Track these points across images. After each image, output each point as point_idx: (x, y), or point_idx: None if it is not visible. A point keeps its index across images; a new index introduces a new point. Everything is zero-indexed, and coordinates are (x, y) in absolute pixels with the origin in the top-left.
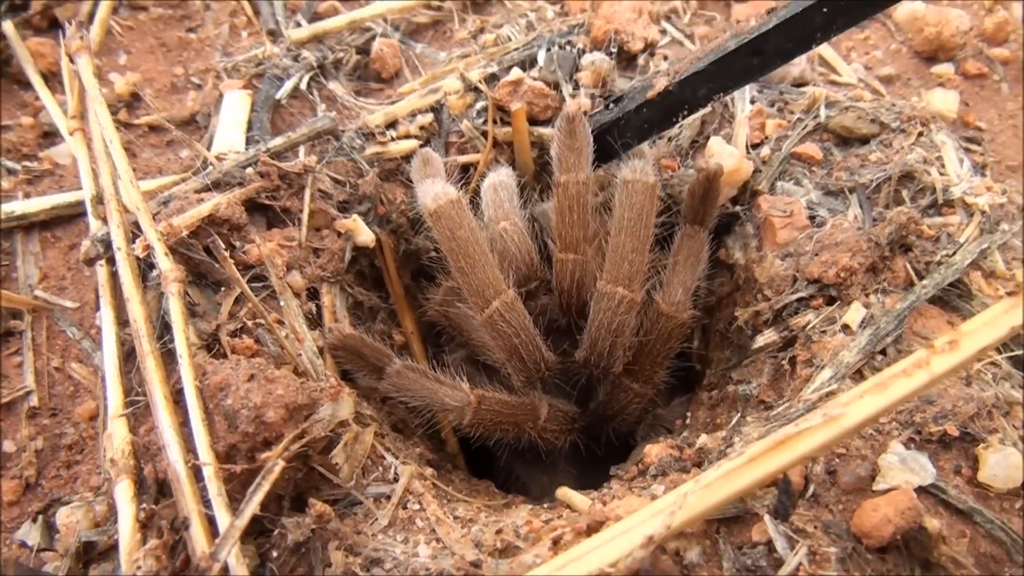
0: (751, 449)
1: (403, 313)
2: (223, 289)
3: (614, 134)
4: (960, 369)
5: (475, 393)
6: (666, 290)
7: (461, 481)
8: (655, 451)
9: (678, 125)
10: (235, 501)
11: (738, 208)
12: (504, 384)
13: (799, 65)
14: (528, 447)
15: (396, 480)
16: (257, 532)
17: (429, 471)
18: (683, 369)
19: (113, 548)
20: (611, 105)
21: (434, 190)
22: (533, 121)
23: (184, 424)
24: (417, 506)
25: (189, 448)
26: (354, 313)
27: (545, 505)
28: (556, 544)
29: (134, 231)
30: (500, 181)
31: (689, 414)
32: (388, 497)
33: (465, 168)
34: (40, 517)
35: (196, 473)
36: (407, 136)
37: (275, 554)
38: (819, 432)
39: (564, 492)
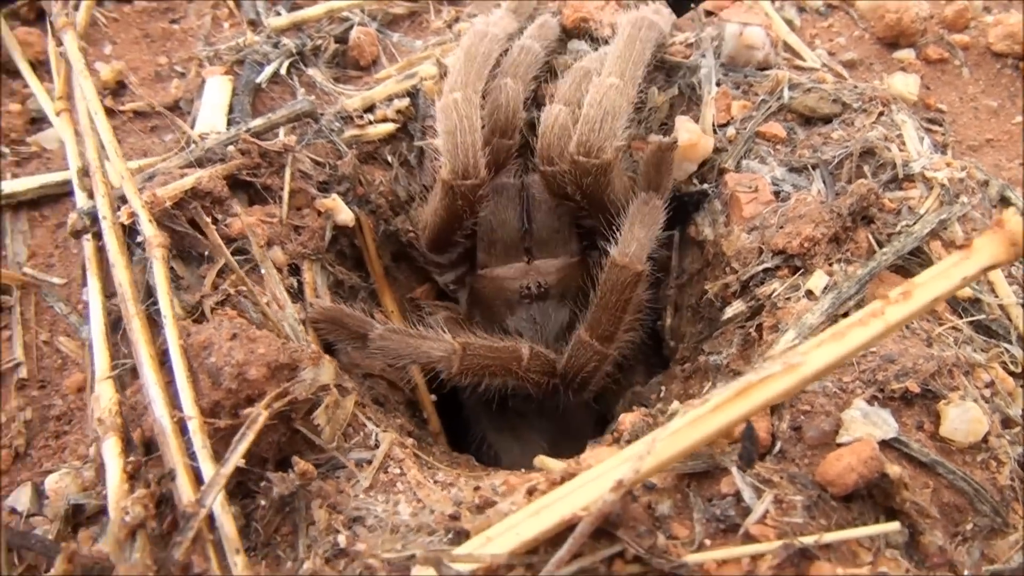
0: (715, 397)
1: (383, 292)
2: (207, 263)
3: None
4: (914, 318)
5: (459, 341)
6: (621, 244)
7: (442, 454)
8: (629, 419)
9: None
10: (218, 456)
11: (706, 186)
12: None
13: (763, 50)
14: (502, 416)
15: (377, 446)
16: (242, 495)
17: (410, 441)
18: (658, 348)
19: (102, 511)
20: None
21: None
22: None
23: (170, 384)
24: (398, 471)
25: (174, 405)
26: (335, 291)
27: (523, 471)
28: (531, 494)
29: (119, 203)
30: (530, 47)
31: (663, 387)
32: (369, 462)
33: None
34: (30, 484)
35: (181, 428)
36: (384, 120)
37: (260, 513)
38: (779, 380)
39: (541, 459)
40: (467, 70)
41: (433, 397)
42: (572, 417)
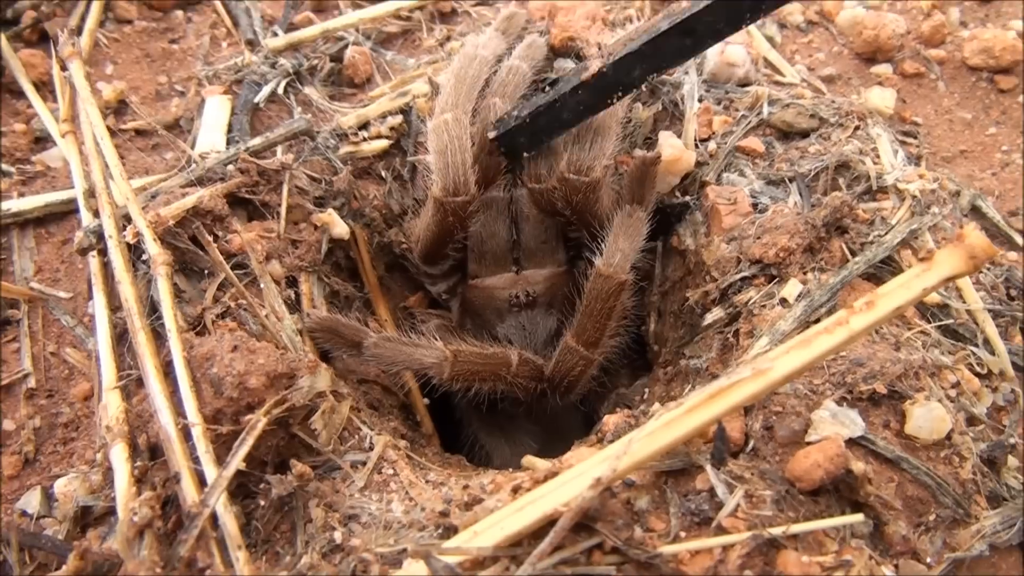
0: (688, 401)
1: (377, 301)
2: (208, 277)
3: (551, 115)
4: (876, 326)
5: (450, 349)
6: (606, 255)
7: (434, 455)
8: (612, 420)
9: (625, 119)
10: (220, 460)
11: (688, 198)
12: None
13: (744, 67)
14: (493, 418)
15: (371, 448)
16: (243, 495)
17: (403, 443)
18: (643, 352)
19: (109, 513)
20: (547, 88)
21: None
22: None
23: (174, 393)
24: (391, 471)
25: (179, 413)
26: (331, 302)
27: (511, 471)
28: (516, 491)
29: (124, 222)
30: (516, 66)
31: (647, 390)
32: (364, 463)
33: None
34: (39, 488)
35: (185, 434)
36: (378, 136)
37: (260, 512)
38: (749, 384)
39: (529, 459)
40: (457, 91)
41: (426, 401)
42: (561, 418)
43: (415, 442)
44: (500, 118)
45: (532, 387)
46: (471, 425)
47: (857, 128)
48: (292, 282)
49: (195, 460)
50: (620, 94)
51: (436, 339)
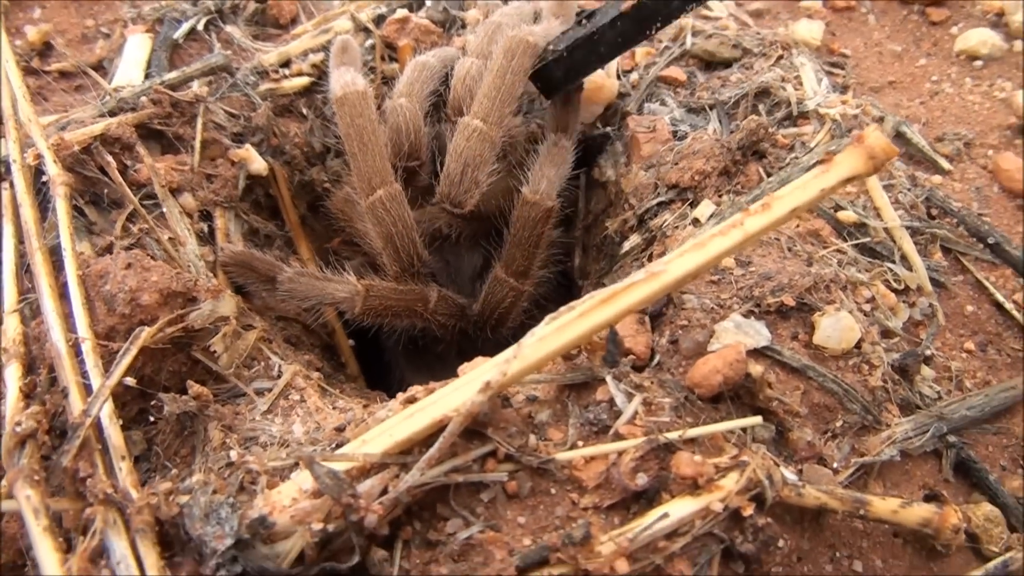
0: (581, 305)
1: (299, 241)
2: (117, 208)
3: (588, 48)
4: (773, 228)
5: (363, 283)
6: (532, 182)
7: (353, 390)
8: None
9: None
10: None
11: (609, 129)
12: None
13: None
14: (421, 358)
15: (279, 376)
16: (144, 423)
17: (316, 374)
18: (571, 288)
19: None
20: (583, 21)
21: (344, 78)
22: None
23: (70, 315)
24: (298, 398)
25: (71, 330)
26: (250, 240)
27: None
28: (409, 402)
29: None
30: (425, 62)
31: None
32: (270, 390)
33: None
34: None
35: (76, 351)
36: (300, 74)
37: (160, 437)
38: (642, 286)
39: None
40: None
41: (351, 342)
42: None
43: (334, 377)
44: None
45: (452, 324)
46: (399, 366)
47: (780, 58)
48: (206, 216)
49: (84, 376)
50: (659, 24)
51: (351, 275)
